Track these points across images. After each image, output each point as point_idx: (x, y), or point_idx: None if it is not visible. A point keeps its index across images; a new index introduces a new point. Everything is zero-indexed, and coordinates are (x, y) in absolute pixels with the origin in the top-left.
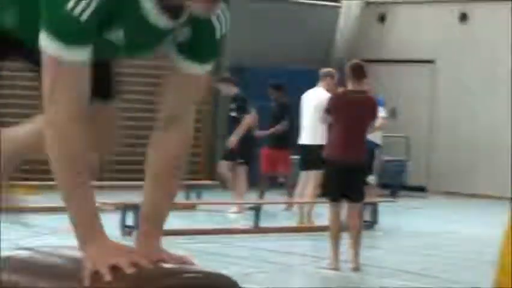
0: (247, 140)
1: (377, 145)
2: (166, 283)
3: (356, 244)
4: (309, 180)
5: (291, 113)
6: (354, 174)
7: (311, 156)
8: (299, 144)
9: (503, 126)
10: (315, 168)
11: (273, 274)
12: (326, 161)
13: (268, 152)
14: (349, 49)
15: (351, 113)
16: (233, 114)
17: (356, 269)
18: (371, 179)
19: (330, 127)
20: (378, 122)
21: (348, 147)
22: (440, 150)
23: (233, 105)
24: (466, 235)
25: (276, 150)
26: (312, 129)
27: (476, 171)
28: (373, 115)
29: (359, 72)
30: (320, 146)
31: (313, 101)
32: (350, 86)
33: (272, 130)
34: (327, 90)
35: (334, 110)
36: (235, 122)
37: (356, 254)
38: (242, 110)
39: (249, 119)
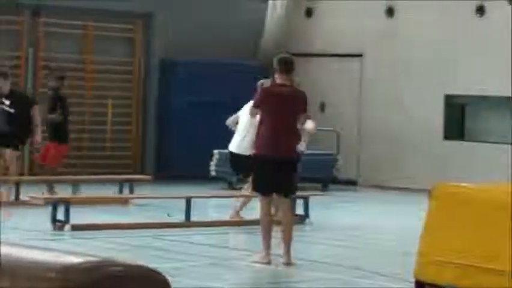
0: None
1: None
2: (92, 276)
3: (288, 238)
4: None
5: (66, 106)
6: (284, 168)
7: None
8: (231, 152)
9: (432, 119)
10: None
11: (204, 268)
12: (255, 155)
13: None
14: (277, 43)
15: (280, 106)
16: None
17: (288, 263)
18: None
19: (260, 121)
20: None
21: (278, 141)
22: (370, 144)
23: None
24: (395, 228)
25: (50, 143)
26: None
27: (406, 164)
28: (303, 108)
29: (287, 66)
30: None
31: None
32: (278, 80)
33: (47, 118)
34: None
35: (263, 103)
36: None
37: (288, 248)
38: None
39: None
